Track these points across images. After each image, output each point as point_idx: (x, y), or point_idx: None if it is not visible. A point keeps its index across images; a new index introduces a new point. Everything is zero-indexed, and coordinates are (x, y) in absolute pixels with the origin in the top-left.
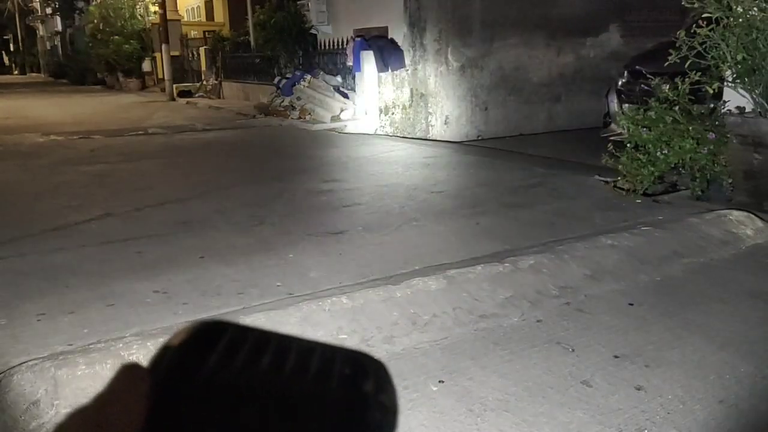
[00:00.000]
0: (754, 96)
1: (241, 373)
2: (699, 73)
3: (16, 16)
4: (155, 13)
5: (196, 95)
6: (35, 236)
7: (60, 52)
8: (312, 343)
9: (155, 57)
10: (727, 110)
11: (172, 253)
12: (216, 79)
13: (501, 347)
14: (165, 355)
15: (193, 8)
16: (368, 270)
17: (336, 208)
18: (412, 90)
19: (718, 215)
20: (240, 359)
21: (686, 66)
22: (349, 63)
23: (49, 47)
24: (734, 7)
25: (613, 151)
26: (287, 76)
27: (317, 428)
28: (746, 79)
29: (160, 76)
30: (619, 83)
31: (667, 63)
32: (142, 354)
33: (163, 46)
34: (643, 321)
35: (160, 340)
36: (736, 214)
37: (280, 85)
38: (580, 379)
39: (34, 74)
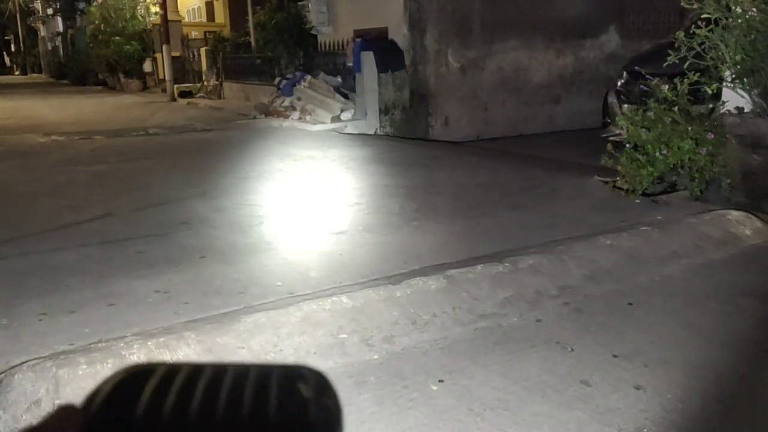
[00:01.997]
0: (753, 96)
1: (170, 410)
2: (698, 74)
3: (17, 16)
4: (156, 13)
5: (197, 96)
6: (36, 236)
7: (61, 52)
8: (246, 366)
9: (156, 58)
10: (726, 111)
11: (173, 253)
12: (216, 80)
13: (500, 347)
14: (96, 396)
15: (193, 9)
16: (368, 270)
17: (336, 208)
18: (412, 90)
19: (717, 215)
20: (171, 397)
21: (685, 67)
22: (350, 64)
23: (50, 48)
24: (733, 7)
25: (613, 151)
26: (288, 76)
27: None
28: (745, 80)
29: (161, 77)
30: (619, 84)
31: (666, 64)
32: (143, 354)
33: (164, 46)
34: (642, 321)
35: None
36: (734, 215)
37: (281, 86)
38: (580, 379)
39: (35, 75)
